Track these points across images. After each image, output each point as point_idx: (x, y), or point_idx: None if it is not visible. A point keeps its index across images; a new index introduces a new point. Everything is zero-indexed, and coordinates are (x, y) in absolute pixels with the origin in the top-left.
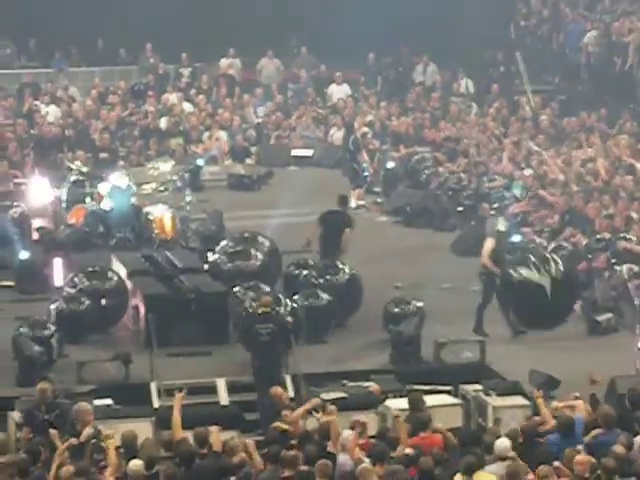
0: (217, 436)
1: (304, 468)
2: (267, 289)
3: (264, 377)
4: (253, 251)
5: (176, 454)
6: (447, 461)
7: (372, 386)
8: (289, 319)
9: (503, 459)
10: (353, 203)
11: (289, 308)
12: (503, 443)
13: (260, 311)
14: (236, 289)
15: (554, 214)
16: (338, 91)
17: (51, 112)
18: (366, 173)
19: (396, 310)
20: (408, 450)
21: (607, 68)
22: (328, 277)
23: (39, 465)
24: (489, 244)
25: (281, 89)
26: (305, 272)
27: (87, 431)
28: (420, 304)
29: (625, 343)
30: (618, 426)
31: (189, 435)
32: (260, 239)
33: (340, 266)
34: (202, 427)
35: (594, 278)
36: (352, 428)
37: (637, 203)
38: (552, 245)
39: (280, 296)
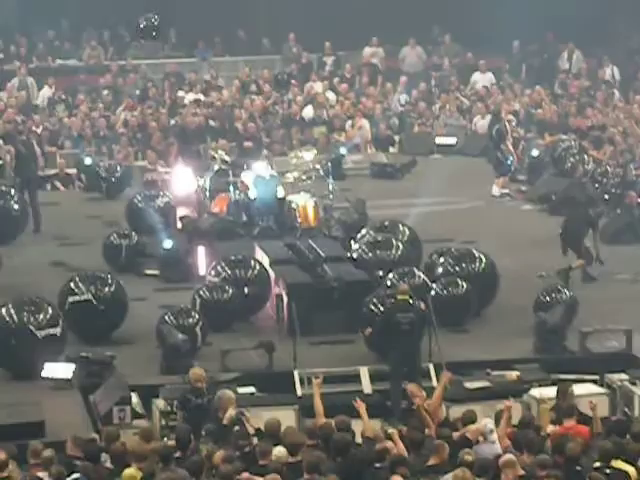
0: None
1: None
2: (421, 275)
3: (402, 367)
4: (394, 240)
5: (325, 441)
6: (592, 450)
7: (510, 374)
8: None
9: None
10: (497, 191)
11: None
12: None
13: (399, 299)
14: (390, 275)
15: None
16: (482, 79)
17: (195, 101)
18: (509, 162)
19: (547, 299)
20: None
21: None
22: (464, 265)
23: (188, 452)
24: None
25: (424, 77)
26: (442, 260)
27: (230, 413)
28: (571, 293)
29: None
30: None
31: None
32: (400, 227)
33: (476, 254)
34: (344, 415)
35: None
36: (497, 417)
37: None
38: None
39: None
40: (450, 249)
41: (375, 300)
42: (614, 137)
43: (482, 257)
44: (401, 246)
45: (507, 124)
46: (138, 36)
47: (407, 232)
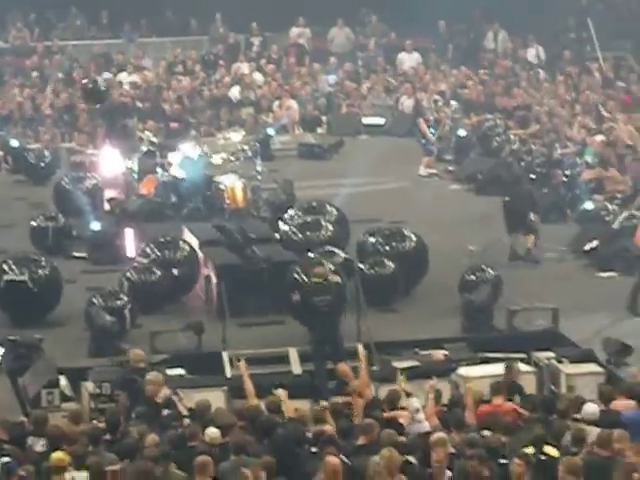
0: (286, 400)
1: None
2: (342, 255)
3: (324, 348)
4: (322, 221)
5: (252, 423)
6: (519, 430)
7: (437, 354)
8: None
9: (590, 424)
10: (423, 171)
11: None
12: (591, 407)
13: (315, 282)
14: (311, 255)
15: (626, 180)
16: (408, 59)
17: (121, 81)
18: (423, 141)
19: (472, 278)
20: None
21: None
22: (395, 244)
23: (118, 434)
24: None
25: (351, 58)
26: (373, 240)
27: (164, 392)
28: (495, 272)
29: None
30: None
31: (262, 404)
32: (328, 208)
33: (406, 233)
34: (274, 396)
35: None
36: (426, 396)
37: None
38: (624, 214)
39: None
40: (381, 228)
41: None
42: (539, 117)
43: (412, 236)
44: (330, 227)
45: (431, 104)
46: (82, 97)
47: (335, 212)
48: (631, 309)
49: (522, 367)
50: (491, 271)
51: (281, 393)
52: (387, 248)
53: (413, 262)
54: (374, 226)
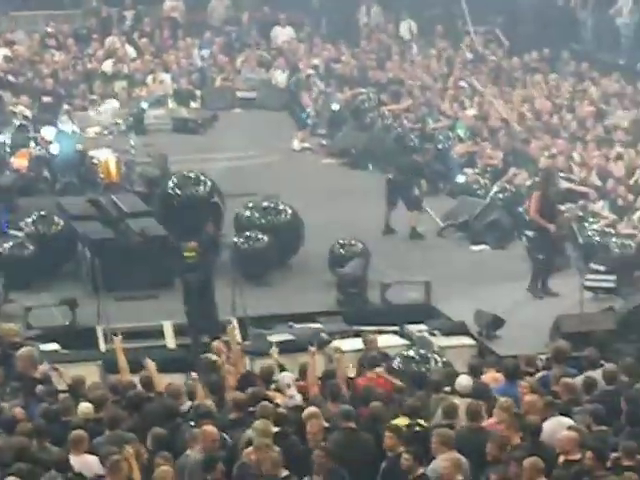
0: (154, 372)
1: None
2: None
3: (198, 322)
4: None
5: (122, 398)
6: (393, 402)
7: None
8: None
9: (463, 396)
10: (297, 145)
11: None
12: (464, 380)
13: (187, 256)
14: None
15: (497, 154)
16: (282, 33)
17: None
18: (304, 115)
19: (341, 251)
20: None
21: (550, 8)
22: (269, 217)
23: None
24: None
25: (225, 31)
26: (249, 213)
27: (43, 367)
28: (363, 245)
29: (570, 282)
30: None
31: (136, 378)
32: (202, 179)
33: (281, 206)
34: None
35: None
36: (302, 370)
37: (579, 143)
38: (495, 187)
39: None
40: (257, 202)
41: None
42: (412, 91)
43: (287, 209)
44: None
45: (304, 78)
46: None
47: (209, 183)
48: (532, 290)
49: (395, 340)
50: (360, 244)
51: (149, 365)
52: (263, 221)
53: (288, 235)
54: (251, 200)
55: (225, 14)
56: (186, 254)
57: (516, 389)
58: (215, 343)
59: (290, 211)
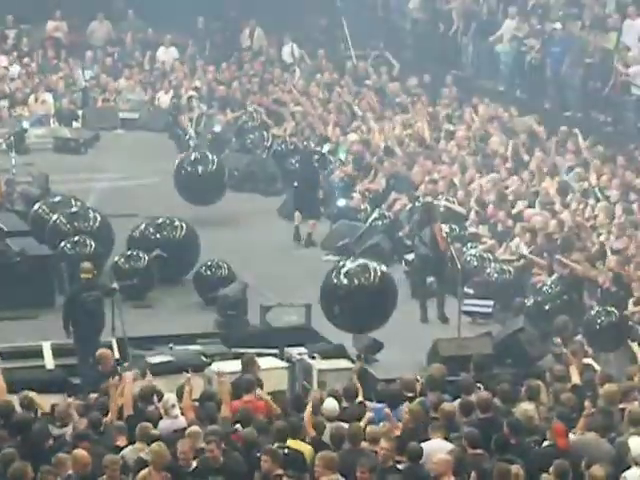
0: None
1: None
2: (92, 244)
3: (88, 343)
4: (92, 212)
5: (4, 418)
6: (269, 426)
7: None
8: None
9: (332, 420)
10: None
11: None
12: (331, 404)
13: (83, 277)
14: (62, 244)
15: (378, 179)
16: (166, 54)
17: None
18: (187, 137)
19: (208, 274)
20: (226, 414)
21: (431, 34)
22: (165, 233)
23: None
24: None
25: (108, 52)
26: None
27: None
28: (229, 267)
29: (448, 306)
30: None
31: (14, 399)
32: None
33: (177, 223)
34: (26, 391)
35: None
36: (179, 391)
37: (458, 167)
38: (375, 214)
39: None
40: (155, 219)
41: None
42: (294, 114)
43: (183, 225)
44: (99, 217)
45: (186, 100)
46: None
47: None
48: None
49: (275, 363)
50: (226, 266)
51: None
52: (158, 237)
53: (185, 251)
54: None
55: (106, 35)
56: (83, 275)
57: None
58: (102, 352)
59: (186, 227)
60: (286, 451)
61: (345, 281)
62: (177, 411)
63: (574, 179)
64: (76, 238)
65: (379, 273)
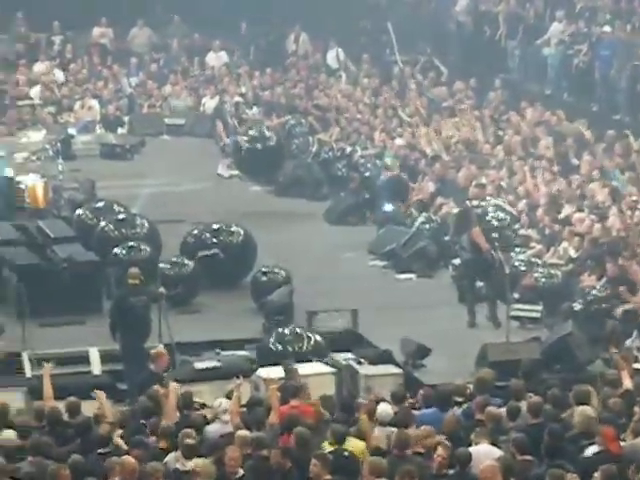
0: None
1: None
2: (147, 249)
3: (135, 348)
4: (139, 218)
5: (48, 424)
6: (318, 430)
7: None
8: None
9: (385, 425)
10: (225, 173)
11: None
12: (385, 409)
13: (131, 283)
14: (116, 250)
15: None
16: (216, 59)
17: None
18: (222, 145)
19: (264, 279)
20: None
21: (478, 38)
22: (222, 239)
23: None
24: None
25: (153, 58)
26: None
27: None
28: (286, 273)
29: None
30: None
31: (61, 405)
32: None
33: (234, 228)
34: (74, 397)
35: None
36: (228, 396)
37: (505, 171)
38: (422, 218)
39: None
40: (209, 225)
41: None
42: (340, 119)
43: (240, 231)
44: (147, 223)
45: (232, 106)
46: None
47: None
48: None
49: (321, 368)
50: (282, 272)
51: (99, 394)
52: (215, 241)
53: (241, 256)
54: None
55: (147, 41)
56: (130, 281)
57: (442, 417)
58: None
59: (243, 232)
60: (346, 454)
61: None
62: (227, 416)
63: (623, 183)
64: (130, 244)
65: None
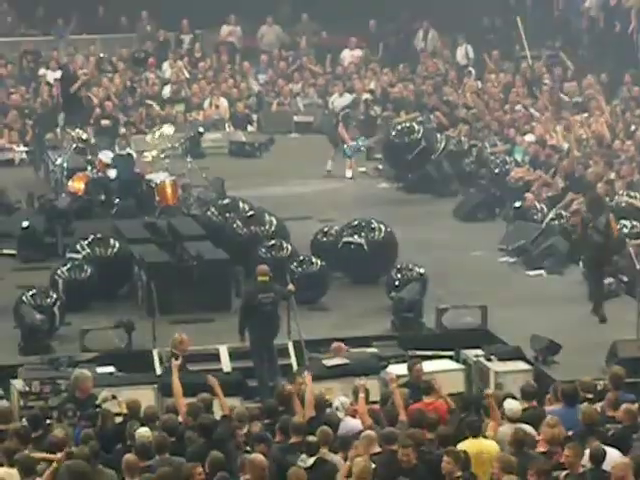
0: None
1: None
2: (289, 247)
3: (264, 346)
4: (267, 215)
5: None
6: (449, 425)
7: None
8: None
9: (514, 421)
10: (349, 173)
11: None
12: (513, 405)
13: (260, 280)
14: (261, 249)
15: (556, 179)
16: (351, 56)
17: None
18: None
19: (398, 276)
20: (402, 417)
21: (608, 33)
22: (363, 234)
23: (41, 432)
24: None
25: (282, 56)
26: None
27: (105, 395)
28: (422, 270)
29: (627, 307)
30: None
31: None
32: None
33: (375, 224)
34: (206, 393)
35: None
36: (355, 393)
37: (636, 166)
38: (552, 214)
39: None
40: (351, 222)
41: None
42: (468, 116)
43: (381, 227)
44: (275, 221)
45: (363, 103)
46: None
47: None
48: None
49: (450, 365)
50: (418, 269)
51: (214, 382)
52: (357, 237)
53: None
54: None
55: (275, 39)
56: (259, 278)
57: (575, 414)
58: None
59: (384, 228)
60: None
61: None
62: (343, 413)
63: None
64: (272, 242)
65: None
